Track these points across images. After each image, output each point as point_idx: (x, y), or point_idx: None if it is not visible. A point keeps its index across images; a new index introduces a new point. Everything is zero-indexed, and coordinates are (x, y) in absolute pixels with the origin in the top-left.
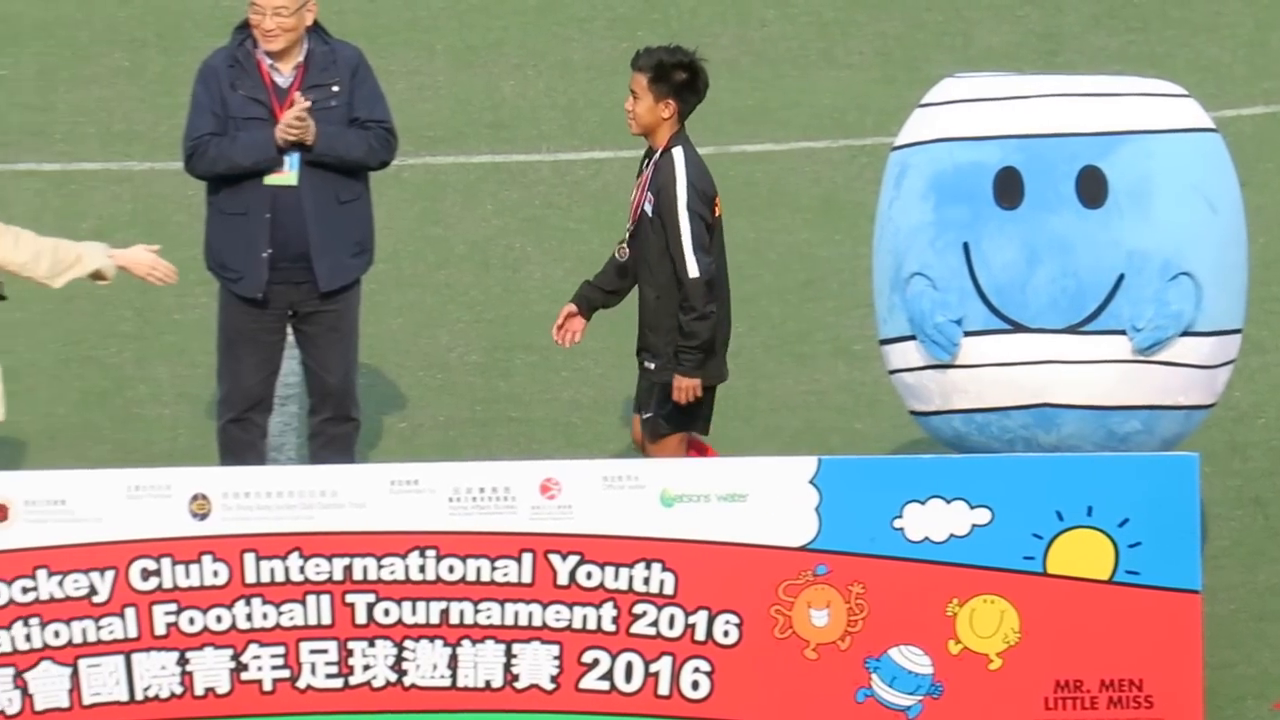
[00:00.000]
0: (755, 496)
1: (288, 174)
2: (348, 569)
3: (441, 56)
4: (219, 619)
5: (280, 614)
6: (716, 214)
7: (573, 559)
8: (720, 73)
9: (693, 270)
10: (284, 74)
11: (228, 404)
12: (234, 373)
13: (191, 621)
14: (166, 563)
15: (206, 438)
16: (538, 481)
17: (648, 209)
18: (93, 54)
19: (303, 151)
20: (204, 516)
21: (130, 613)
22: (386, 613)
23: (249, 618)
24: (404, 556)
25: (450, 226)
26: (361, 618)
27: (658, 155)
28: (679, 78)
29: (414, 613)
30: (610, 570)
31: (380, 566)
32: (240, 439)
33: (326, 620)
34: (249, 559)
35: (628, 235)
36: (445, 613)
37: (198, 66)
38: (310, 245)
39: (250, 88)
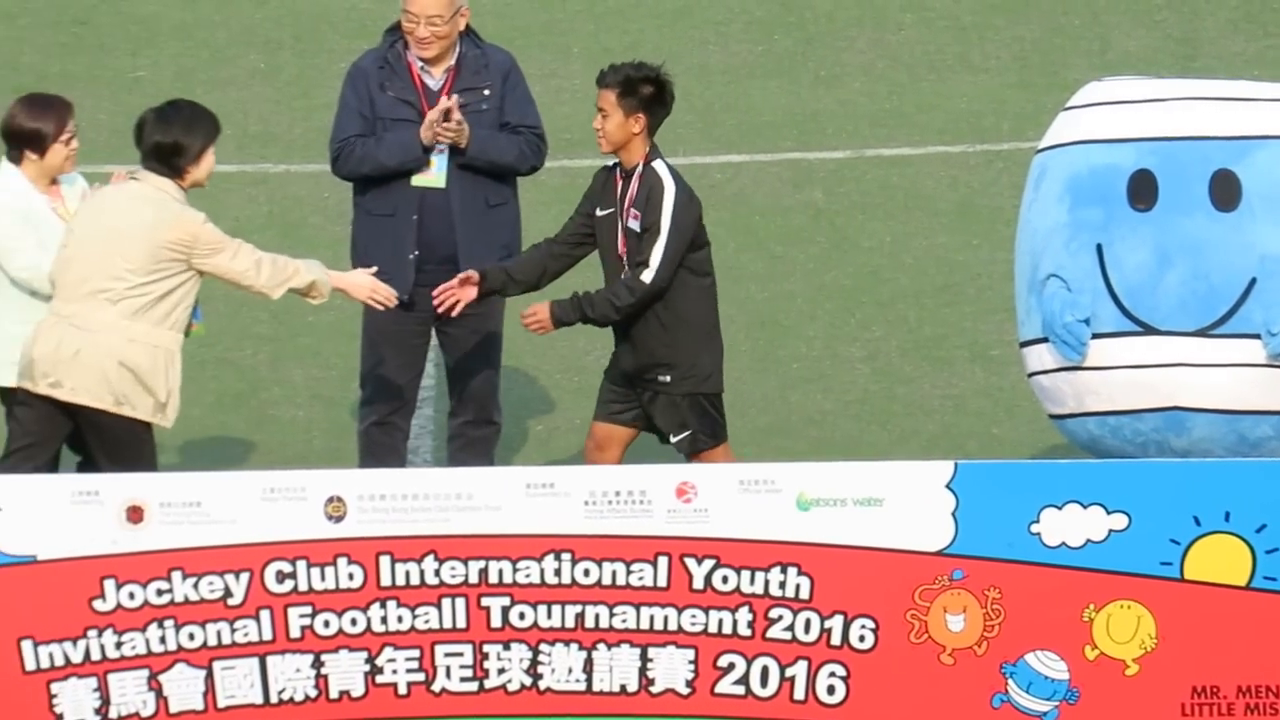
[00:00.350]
0: (892, 501)
1: (435, 176)
2: (483, 572)
3: (578, 59)
4: (354, 622)
5: (415, 617)
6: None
7: (708, 563)
8: (856, 76)
9: (647, 278)
10: (435, 77)
11: (370, 406)
12: (377, 375)
13: (326, 624)
14: (301, 565)
15: (341, 440)
16: (674, 485)
17: (634, 226)
18: (229, 56)
19: (455, 154)
20: (339, 519)
21: (265, 615)
22: (522, 616)
23: (384, 621)
24: (539, 560)
25: None
26: (497, 621)
27: (640, 170)
28: (646, 92)
29: (549, 616)
30: (746, 574)
31: (516, 570)
32: (382, 442)
33: (462, 624)
34: (384, 562)
35: (625, 262)
36: (580, 616)
37: (346, 68)
38: (458, 248)
39: (400, 89)
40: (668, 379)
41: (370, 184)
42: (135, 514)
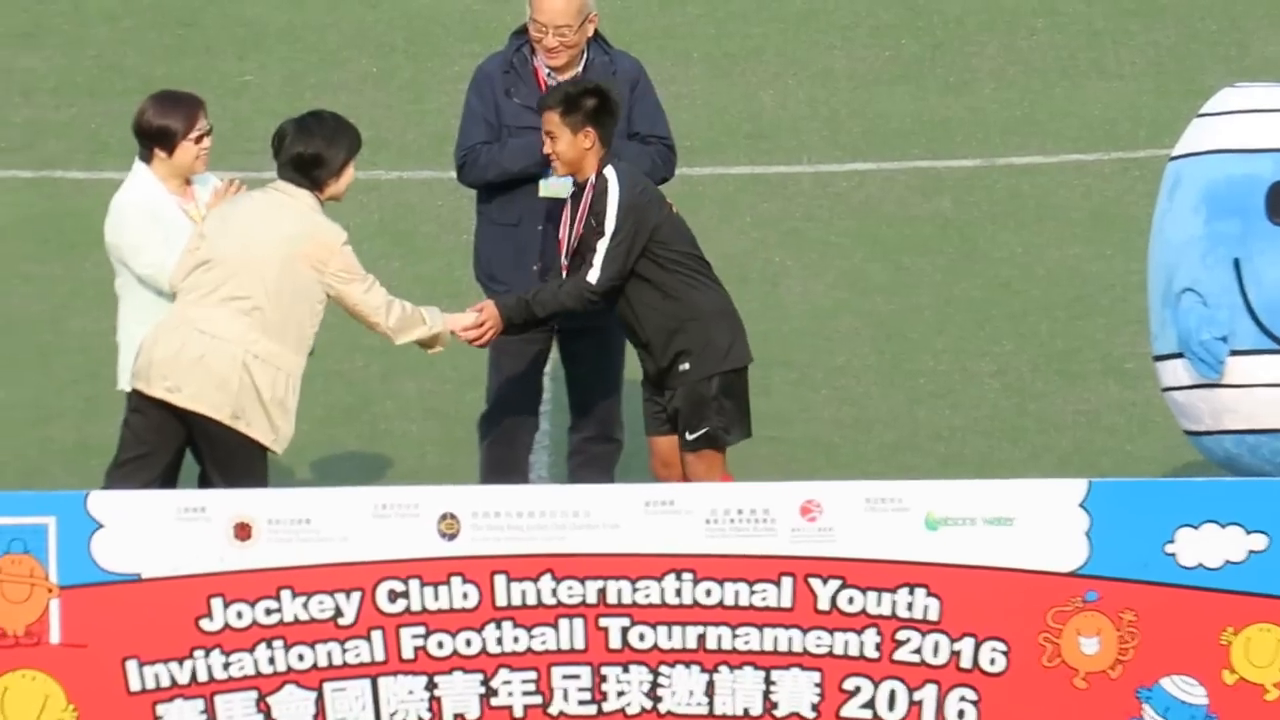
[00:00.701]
0: (1023, 520)
1: (561, 186)
2: (601, 592)
3: (698, 65)
4: (468, 643)
5: (532, 638)
6: (668, 210)
7: (834, 583)
8: (986, 82)
9: (592, 277)
10: None
11: (492, 422)
12: (500, 390)
13: (440, 645)
14: (414, 584)
15: (455, 455)
16: (798, 503)
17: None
18: (340, 59)
19: None
20: (453, 537)
21: (377, 636)
22: (641, 637)
23: (499, 641)
24: (660, 580)
25: (707, 239)
26: (616, 642)
27: (593, 180)
28: (589, 104)
29: (670, 638)
30: (873, 595)
31: (635, 590)
32: (505, 458)
33: (580, 645)
34: (499, 581)
35: (564, 274)
36: (702, 638)
37: (460, 71)
38: None
39: (526, 95)
40: (687, 366)
41: (495, 192)
42: (243, 531)
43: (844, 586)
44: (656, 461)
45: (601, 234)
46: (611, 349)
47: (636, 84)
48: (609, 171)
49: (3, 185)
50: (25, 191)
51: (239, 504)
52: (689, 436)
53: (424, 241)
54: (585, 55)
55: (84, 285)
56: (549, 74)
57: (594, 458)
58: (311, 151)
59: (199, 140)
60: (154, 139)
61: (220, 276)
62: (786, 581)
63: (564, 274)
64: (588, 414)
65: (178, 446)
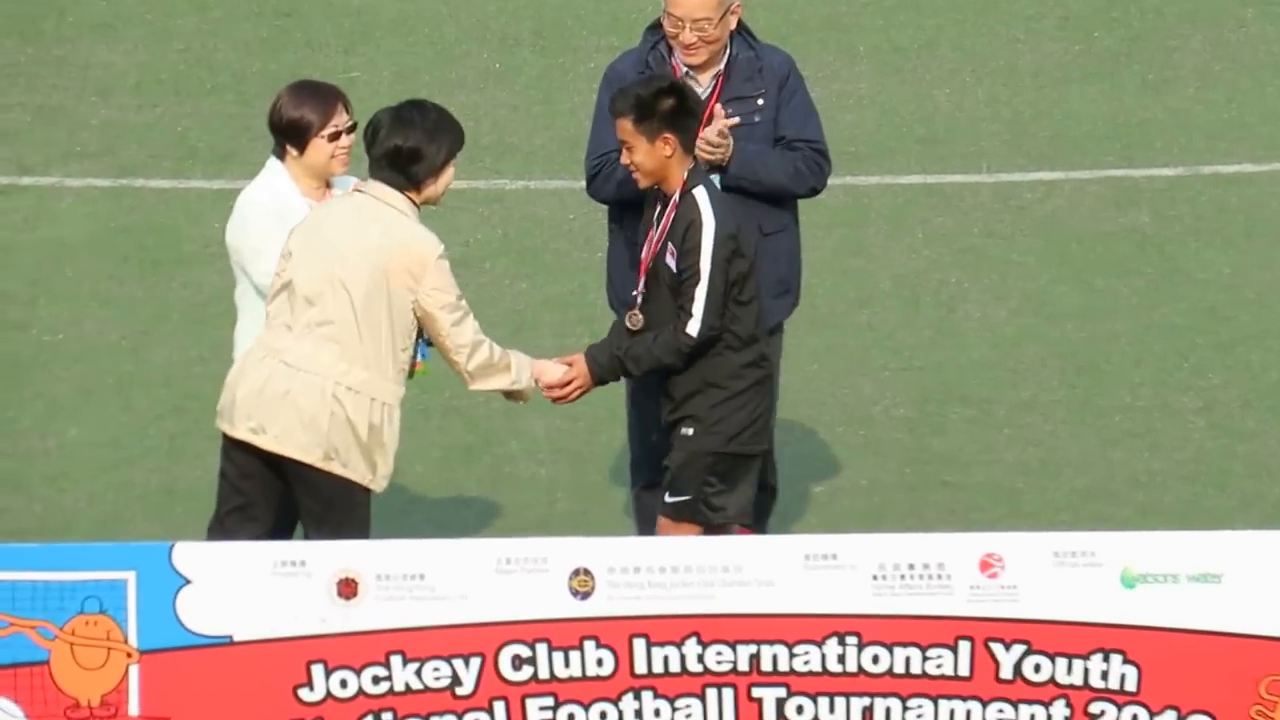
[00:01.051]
0: (1232, 576)
1: None
2: (754, 658)
3: (864, 60)
4: (603, 715)
5: (675, 709)
6: (754, 260)
7: (1018, 648)
8: (1189, 81)
9: (693, 329)
10: (702, 84)
11: (639, 468)
12: (643, 433)
13: (571, 717)
14: (542, 649)
15: (589, 502)
16: (977, 557)
17: (670, 262)
18: (458, 54)
19: (719, 174)
20: (586, 595)
21: (499, 707)
22: (800, 710)
23: (638, 714)
24: (820, 644)
25: (874, 258)
26: (770, 714)
27: (676, 198)
28: (665, 106)
29: (832, 710)
30: (1062, 662)
31: (793, 655)
32: (654, 507)
33: (729, 717)
34: (639, 645)
35: (639, 298)
36: (869, 710)
37: (594, 69)
38: None
39: None
40: (690, 433)
41: (627, 208)
42: (348, 588)
43: (1029, 652)
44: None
45: (697, 279)
46: None
47: (785, 81)
48: (701, 197)
49: (77, 195)
50: (102, 202)
51: (343, 557)
52: (669, 499)
53: (554, 260)
54: (728, 51)
55: (169, 308)
56: (687, 73)
57: None
58: (411, 145)
59: (335, 137)
60: (285, 133)
61: (305, 299)
62: (964, 646)
63: (639, 298)
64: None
65: (279, 494)
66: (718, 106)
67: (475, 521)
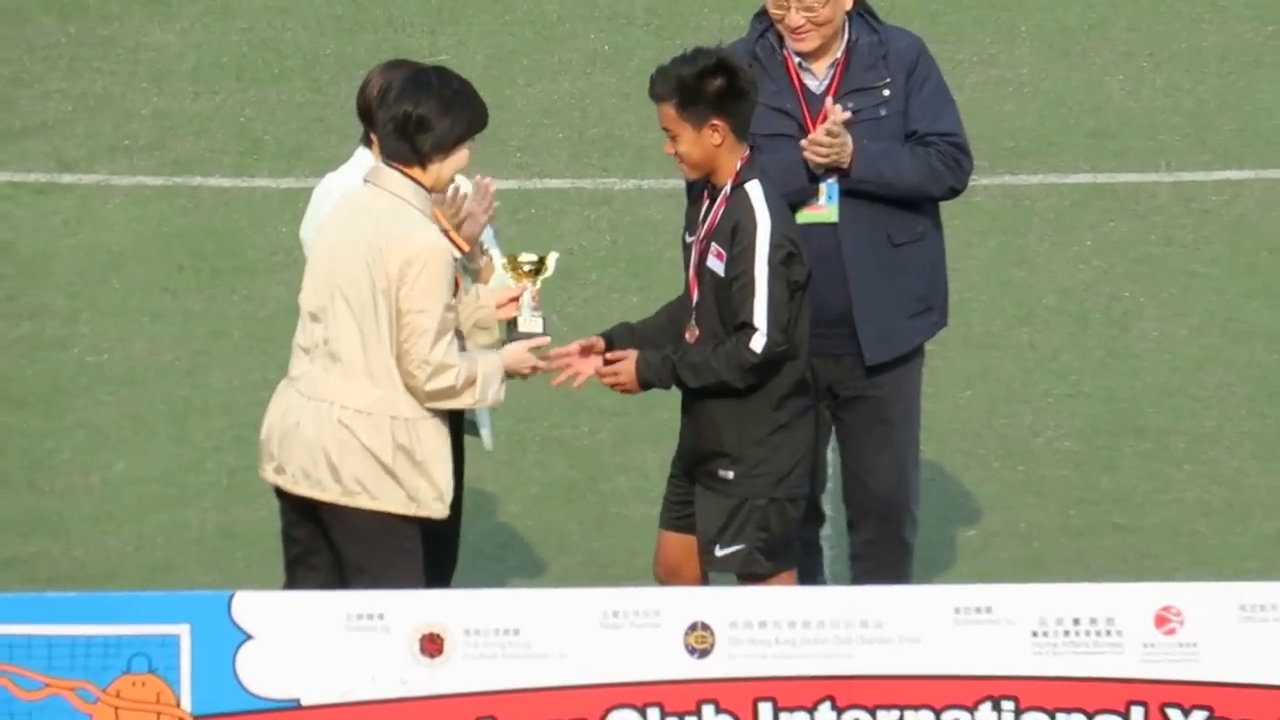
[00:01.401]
0: None
1: (824, 207)
2: None
3: (1026, 41)
4: None
5: None
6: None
7: (1199, 715)
8: None
9: (758, 345)
10: (817, 76)
11: None
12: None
13: None
14: (654, 714)
15: None
16: (1152, 611)
17: (715, 266)
18: (561, 34)
19: (840, 176)
20: (705, 653)
21: None
22: None
23: None
24: (972, 710)
25: (1037, 269)
26: None
27: (727, 191)
28: (713, 88)
29: None
30: None
31: None
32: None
33: None
34: (764, 710)
35: (693, 313)
36: None
37: None
38: (852, 302)
39: (774, 95)
40: (730, 476)
41: None
42: (432, 645)
43: (1211, 719)
44: (661, 566)
45: (752, 287)
46: (895, 421)
47: (914, 67)
48: (754, 193)
49: (126, 195)
50: (155, 203)
51: (427, 609)
52: (717, 552)
53: (668, 269)
54: (845, 35)
55: (229, 324)
56: (800, 63)
57: (881, 565)
58: (421, 113)
59: None
60: (367, 119)
61: (310, 315)
62: (1137, 712)
63: (694, 311)
64: (867, 509)
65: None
66: (828, 100)
67: (577, 569)
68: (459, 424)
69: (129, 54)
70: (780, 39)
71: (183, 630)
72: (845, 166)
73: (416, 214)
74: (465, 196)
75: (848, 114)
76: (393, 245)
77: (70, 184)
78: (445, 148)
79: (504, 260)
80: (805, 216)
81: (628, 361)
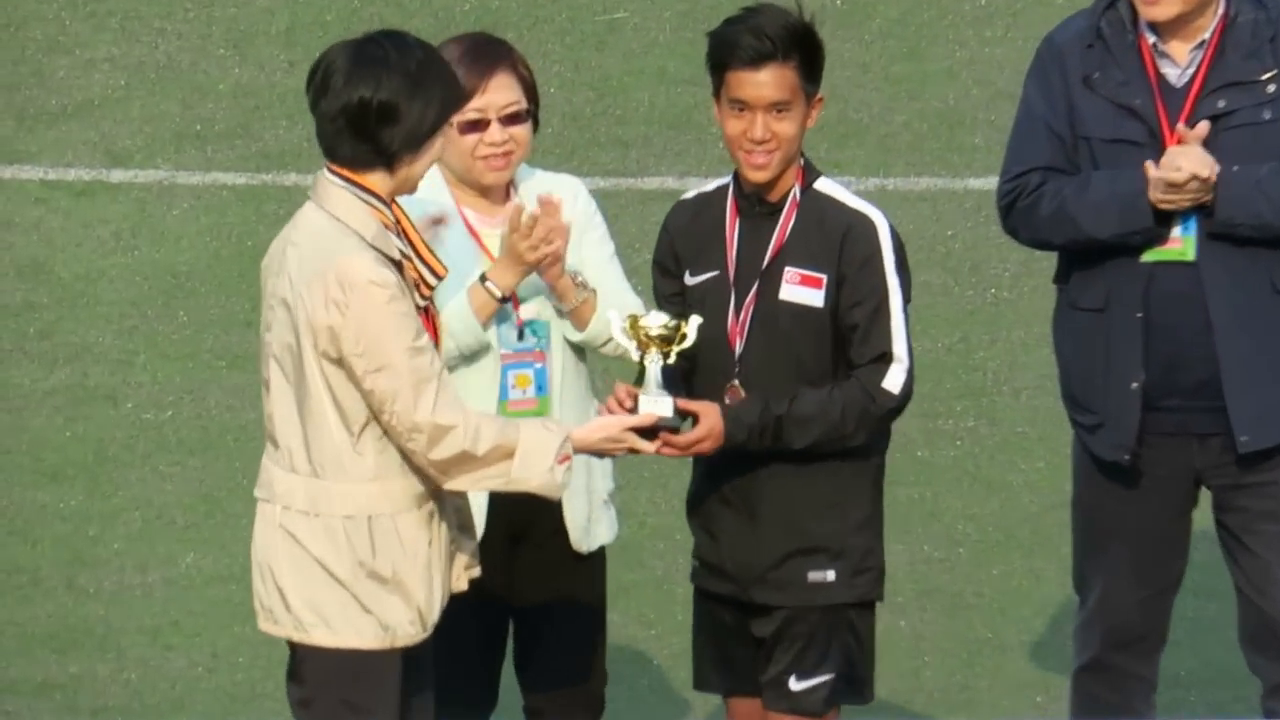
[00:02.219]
0: None
1: (1177, 240)
2: None
3: None
4: None
5: None
6: None
7: None
8: None
9: (894, 383)
10: (1178, 63)
11: (1091, 632)
12: (1101, 588)
13: None
14: None
15: None
16: None
17: (801, 294)
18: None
19: (1200, 213)
20: None
21: None
22: None
23: None
24: None
25: None
26: None
27: (795, 194)
28: (818, 50)
29: None
30: None
31: None
32: (1104, 699)
33: None
34: None
35: (737, 366)
36: None
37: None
38: (1221, 369)
39: (1118, 88)
40: (832, 576)
41: (1072, 255)
42: None
43: None
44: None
45: (885, 307)
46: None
47: None
48: (836, 189)
49: (197, 198)
50: (235, 209)
51: None
52: (795, 685)
53: None
54: (1220, 8)
55: None
56: (1155, 44)
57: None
58: (384, 98)
59: (476, 127)
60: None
61: (264, 385)
62: None
63: (737, 365)
64: (1269, 642)
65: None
66: (1180, 126)
67: None
68: None
69: (202, 10)
70: (1134, 12)
71: None
72: (1209, 204)
73: (352, 240)
74: (534, 217)
75: (1204, 129)
76: (313, 286)
77: (122, 183)
78: (417, 142)
79: (623, 323)
80: (1151, 254)
81: (710, 416)
